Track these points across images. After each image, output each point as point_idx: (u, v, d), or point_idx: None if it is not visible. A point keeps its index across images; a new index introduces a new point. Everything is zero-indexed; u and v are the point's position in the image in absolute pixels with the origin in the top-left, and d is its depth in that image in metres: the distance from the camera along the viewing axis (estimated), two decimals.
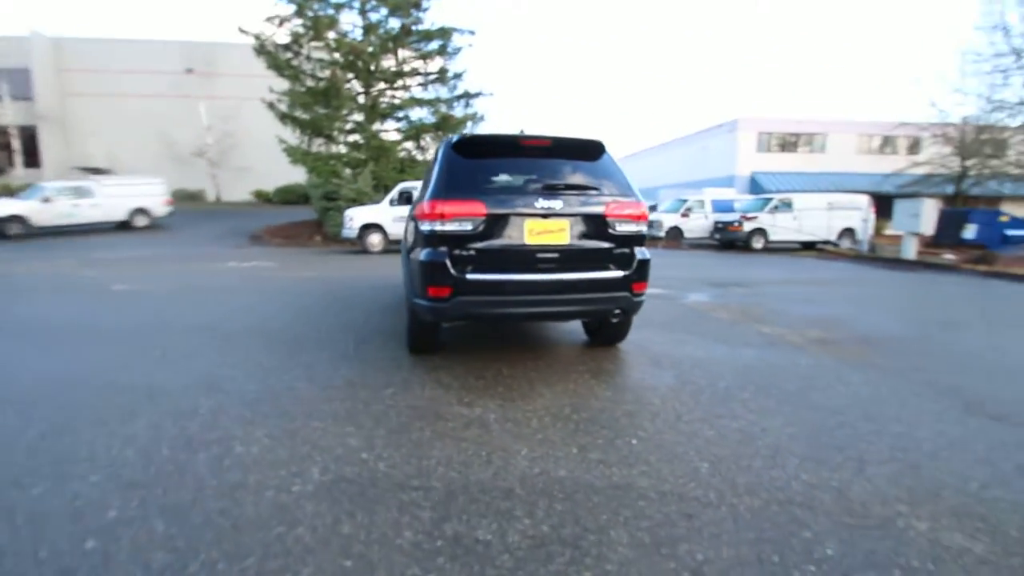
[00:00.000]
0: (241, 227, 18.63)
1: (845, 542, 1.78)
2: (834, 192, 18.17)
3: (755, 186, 25.66)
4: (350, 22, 17.67)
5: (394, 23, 17.65)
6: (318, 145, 18.43)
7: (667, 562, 1.67)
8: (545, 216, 3.22)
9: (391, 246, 13.48)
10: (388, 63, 18.14)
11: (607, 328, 4.03)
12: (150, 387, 3.19)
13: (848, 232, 15.75)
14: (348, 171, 16.97)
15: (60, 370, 3.51)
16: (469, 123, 19.08)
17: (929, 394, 3.26)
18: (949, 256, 12.40)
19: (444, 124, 18.38)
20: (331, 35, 16.70)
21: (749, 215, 15.51)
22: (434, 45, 18.38)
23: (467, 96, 18.92)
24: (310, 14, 16.48)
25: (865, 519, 1.92)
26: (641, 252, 3.45)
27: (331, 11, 16.88)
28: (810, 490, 2.12)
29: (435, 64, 18.86)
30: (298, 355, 3.87)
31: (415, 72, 18.57)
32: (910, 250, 12.16)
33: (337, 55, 16.63)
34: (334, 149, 19.01)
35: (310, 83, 17.48)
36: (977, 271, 10.47)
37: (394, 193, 13.12)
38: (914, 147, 25.40)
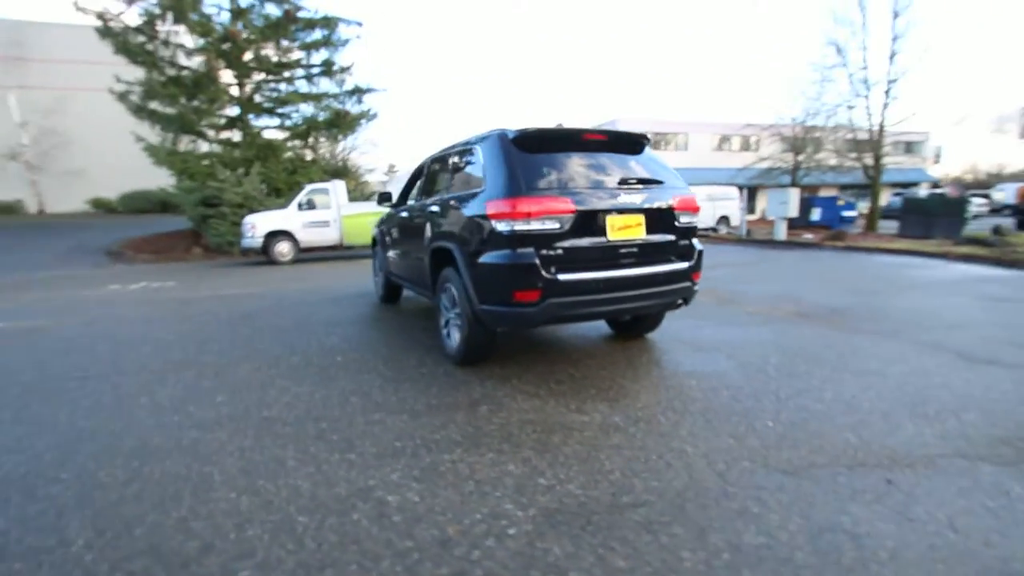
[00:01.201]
0: (89, 243, 15.55)
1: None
2: (699, 185, 20.58)
3: None
4: (215, 4, 15.58)
5: (272, 9, 15.96)
6: (187, 143, 16.03)
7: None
8: (624, 211, 3.16)
9: (303, 256, 12.27)
10: (267, 52, 16.38)
11: (645, 320, 4.09)
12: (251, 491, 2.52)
13: (724, 219, 17.95)
14: (229, 173, 15.01)
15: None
16: (363, 121, 18.10)
17: (927, 351, 3.83)
18: (808, 236, 14.72)
19: (338, 121, 17.18)
20: (194, 17, 14.54)
21: None
22: (317, 35, 17.00)
23: (358, 92, 17.83)
24: None
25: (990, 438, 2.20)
26: (697, 243, 3.56)
27: None
28: (943, 428, 2.36)
29: (320, 56, 17.45)
30: (333, 384, 3.33)
31: (298, 64, 17.01)
32: (782, 232, 14.21)
33: (206, 40, 14.53)
34: (204, 148, 16.71)
35: (172, 72, 15.08)
36: (836, 246, 12.57)
37: (302, 196, 11.97)
38: (758, 145, 29.61)
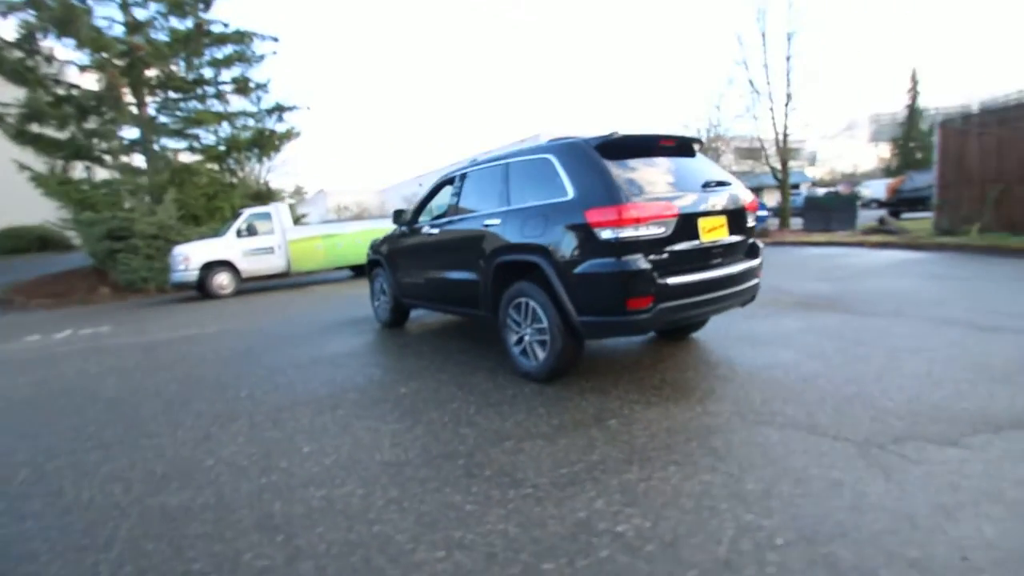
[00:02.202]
0: None
1: None
2: None
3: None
4: (107, 16, 13.93)
5: (176, 23, 14.56)
6: (81, 170, 14.08)
7: None
8: (712, 214, 3.22)
9: (245, 286, 11.19)
10: (174, 68, 14.89)
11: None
12: None
13: None
14: (138, 201, 13.41)
15: None
16: (287, 140, 17.05)
17: (940, 325, 4.27)
18: None
19: (261, 140, 16.04)
20: (83, 31, 12.87)
21: None
22: (230, 50, 15.79)
23: (280, 109, 16.80)
24: (50, 3, 12.37)
25: None
26: (759, 241, 3.72)
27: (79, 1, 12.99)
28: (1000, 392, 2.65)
29: (233, 72, 16.20)
30: (422, 416, 3.03)
31: (210, 82, 15.64)
32: None
33: (102, 56, 12.89)
34: (103, 175, 14.79)
35: (60, 91, 13.20)
36: (766, 242, 13.82)
37: (241, 222, 10.94)
38: None
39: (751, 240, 3.62)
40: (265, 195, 17.33)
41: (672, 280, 2.97)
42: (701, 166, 3.53)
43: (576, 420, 2.81)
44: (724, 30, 39.14)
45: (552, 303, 3.21)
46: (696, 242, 3.14)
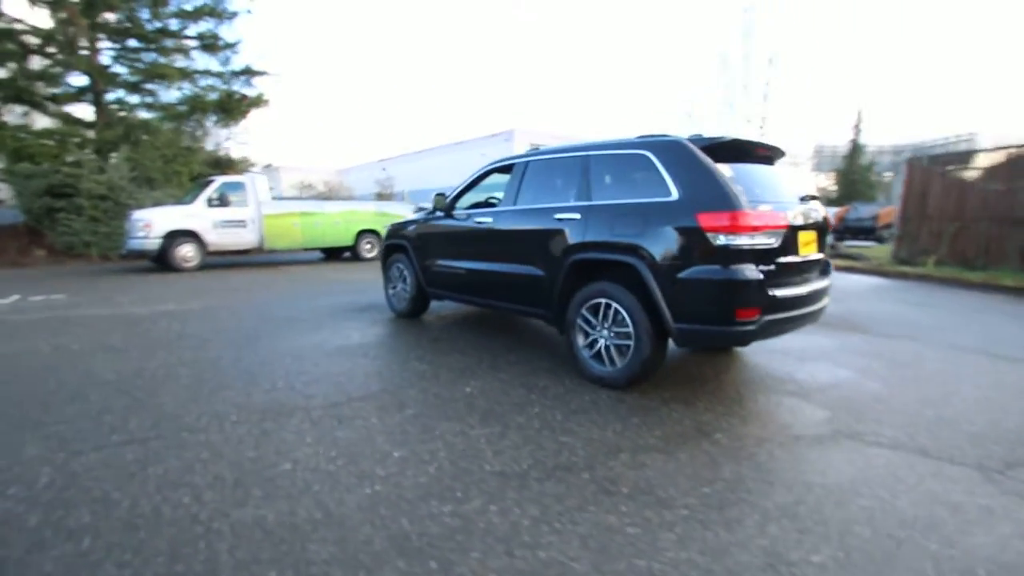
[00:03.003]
0: None
1: None
2: None
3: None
4: None
5: None
6: (20, 115, 12.52)
7: None
8: (807, 228, 3.18)
9: (212, 259, 10.32)
10: (138, 15, 13.51)
11: None
12: None
13: None
14: (85, 155, 12.12)
15: None
16: (254, 107, 15.95)
17: (964, 354, 4.47)
18: None
19: (229, 104, 14.90)
20: None
21: None
22: (200, 1, 14.54)
23: (249, 73, 15.70)
24: None
25: None
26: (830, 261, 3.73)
27: None
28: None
29: (200, 27, 14.96)
30: (509, 420, 2.79)
31: (174, 34, 14.35)
32: None
33: None
34: (42, 124, 13.25)
35: (1, 24, 11.63)
36: None
37: (212, 191, 10.04)
38: None
39: (826, 258, 3.62)
40: (225, 164, 16.15)
41: (778, 292, 2.90)
42: (787, 177, 3.49)
43: (679, 433, 2.67)
44: (699, 42, 40.64)
45: (642, 307, 3.06)
46: (795, 256, 3.08)
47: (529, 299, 3.85)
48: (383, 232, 12.53)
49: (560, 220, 3.55)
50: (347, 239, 11.75)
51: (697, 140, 3.12)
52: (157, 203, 11.31)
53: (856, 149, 39.93)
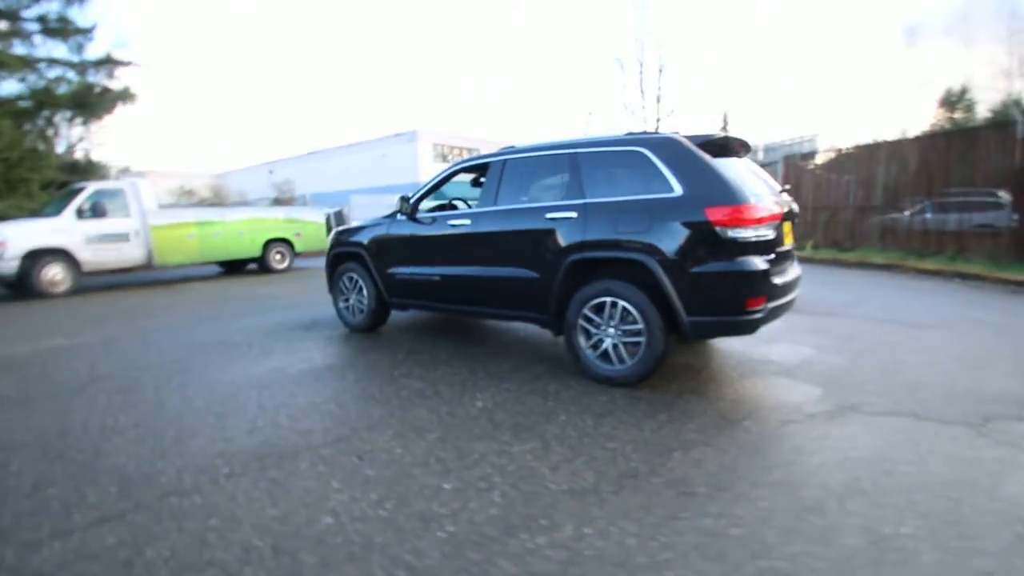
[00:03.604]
0: None
1: None
2: None
3: (439, 193, 28.26)
4: None
5: None
6: None
7: None
8: (787, 218, 3.39)
9: (90, 280, 8.77)
10: None
11: None
12: None
13: None
14: None
15: None
16: (120, 103, 13.92)
17: (885, 325, 5.12)
18: None
19: (88, 98, 12.81)
20: None
21: None
22: None
23: (110, 63, 13.67)
24: None
25: None
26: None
27: None
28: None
29: (43, 8, 12.71)
30: (544, 431, 2.64)
31: (11, 14, 12.01)
32: None
33: None
34: None
35: None
36: None
37: (83, 200, 8.52)
38: None
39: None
40: (84, 169, 13.86)
41: (777, 280, 3.06)
42: (758, 170, 3.70)
43: (711, 424, 2.71)
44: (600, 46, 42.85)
45: (653, 303, 3.07)
46: (783, 246, 3.28)
47: (519, 303, 3.71)
48: (293, 240, 11.62)
49: (553, 219, 3.45)
50: (253, 250, 10.63)
51: (694, 137, 3.20)
52: (1, 217, 9.33)
53: None
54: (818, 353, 4.00)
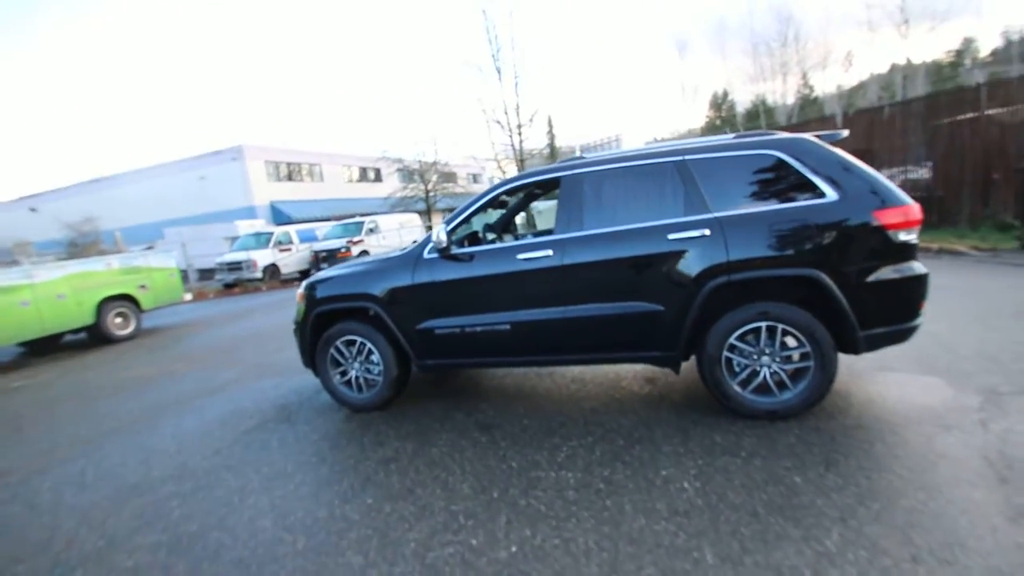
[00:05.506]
0: None
1: None
2: (342, 215, 21.49)
3: (279, 215, 24.63)
4: None
5: None
6: None
7: None
8: None
9: None
10: None
11: None
12: None
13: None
14: None
15: None
16: None
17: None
18: None
19: None
20: None
21: (355, 239, 15.63)
22: None
23: None
24: None
25: None
26: None
27: None
28: None
29: None
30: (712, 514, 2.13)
31: None
32: None
33: None
34: None
35: None
36: None
37: None
38: (388, 176, 31.21)
39: None
40: None
41: None
42: None
43: (813, 442, 2.49)
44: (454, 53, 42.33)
45: (820, 321, 2.76)
46: None
47: (633, 342, 3.10)
48: (138, 296, 8.85)
49: (678, 240, 2.92)
50: (83, 316, 7.84)
51: (825, 136, 2.97)
52: None
53: (554, 151, 48.04)
54: None
